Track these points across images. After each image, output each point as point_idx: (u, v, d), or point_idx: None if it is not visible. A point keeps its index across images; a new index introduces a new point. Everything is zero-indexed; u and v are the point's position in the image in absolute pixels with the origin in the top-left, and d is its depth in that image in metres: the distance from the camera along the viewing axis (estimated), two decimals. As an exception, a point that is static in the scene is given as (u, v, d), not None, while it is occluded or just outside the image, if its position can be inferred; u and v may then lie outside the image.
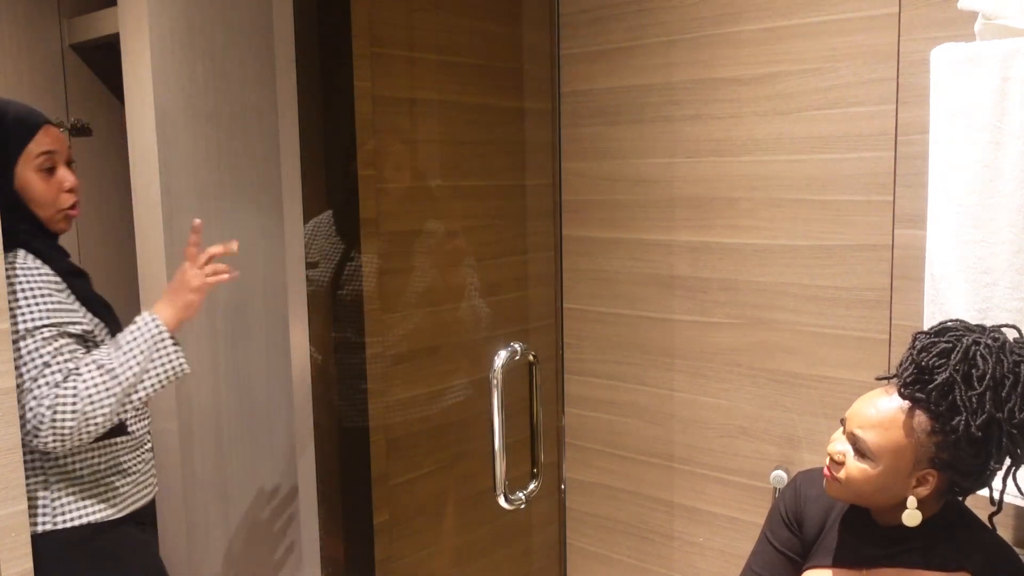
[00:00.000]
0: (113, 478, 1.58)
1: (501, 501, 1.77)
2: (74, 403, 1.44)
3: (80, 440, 1.46)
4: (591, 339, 2.24)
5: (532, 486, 1.87)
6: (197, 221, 1.64)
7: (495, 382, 1.72)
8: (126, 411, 1.51)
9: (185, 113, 1.79)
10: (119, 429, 1.59)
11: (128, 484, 1.62)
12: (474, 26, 2.10)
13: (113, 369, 1.48)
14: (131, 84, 1.81)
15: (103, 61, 2.41)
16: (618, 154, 2.13)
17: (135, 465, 1.64)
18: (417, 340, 2.06)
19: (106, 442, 1.58)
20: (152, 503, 1.72)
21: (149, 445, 1.74)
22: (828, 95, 1.78)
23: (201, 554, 1.89)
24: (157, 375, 1.53)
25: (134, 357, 1.50)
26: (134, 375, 1.49)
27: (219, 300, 1.85)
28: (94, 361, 1.47)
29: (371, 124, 1.90)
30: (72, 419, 1.43)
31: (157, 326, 1.54)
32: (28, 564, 1.24)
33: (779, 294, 1.89)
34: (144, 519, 1.68)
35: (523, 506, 1.83)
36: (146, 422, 1.70)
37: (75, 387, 1.44)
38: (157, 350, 1.53)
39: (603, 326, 2.21)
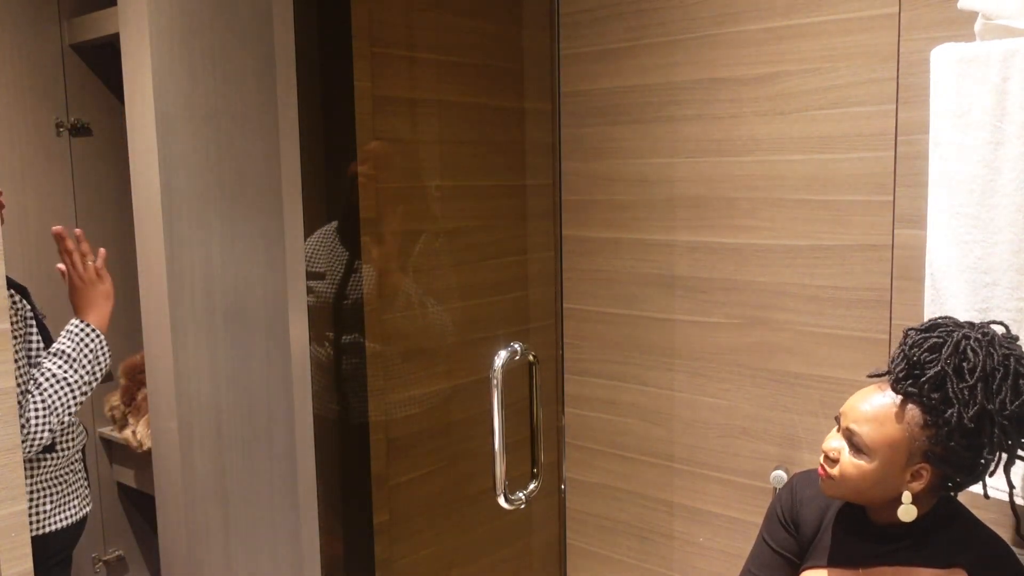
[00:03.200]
0: (36, 496, 1.67)
1: (501, 501, 1.77)
2: (43, 415, 1.57)
3: (32, 450, 1.58)
4: (591, 339, 2.24)
5: (532, 486, 1.87)
6: (75, 231, 1.80)
7: (495, 382, 1.72)
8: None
9: (185, 113, 1.79)
10: (48, 447, 1.68)
11: (52, 503, 1.69)
12: (474, 26, 2.10)
13: (69, 381, 1.64)
14: (131, 84, 1.81)
15: (103, 61, 2.41)
16: (618, 154, 2.13)
17: (59, 485, 1.72)
18: (417, 340, 2.05)
19: (36, 458, 1.67)
20: (77, 526, 1.78)
21: (80, 465, 1.79)
22: (828, 95, 1.78)
23: (201, 554, 1.89)
24: (97, 379, 1.72)
25: (86, 369, 1.68)
26: (85, 383, 1.67)
27: (219, 300, 1.85)
28: (53, 375, 1.62)
29: (371, 124, 1.90)
30: (38, 431, 1.56)
31: (100, 339, 1.73)
32: (28, 564, 1.24)
33: (779, 294, 1.89)
34: (62, 544, 1.73)
35: (523, 506, 1.83)
36: (77, 441, 1.74)
37: (42, 400, 1.58)
38: (99, 360, 1.72)
39: (603, 326, 2.21)
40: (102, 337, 1.74)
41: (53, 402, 1.59)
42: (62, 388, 1.62)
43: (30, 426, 1.55)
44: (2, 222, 1.68)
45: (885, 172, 1.72)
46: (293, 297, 1.94)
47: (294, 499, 1.99)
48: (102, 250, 1.81)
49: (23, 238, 2.30)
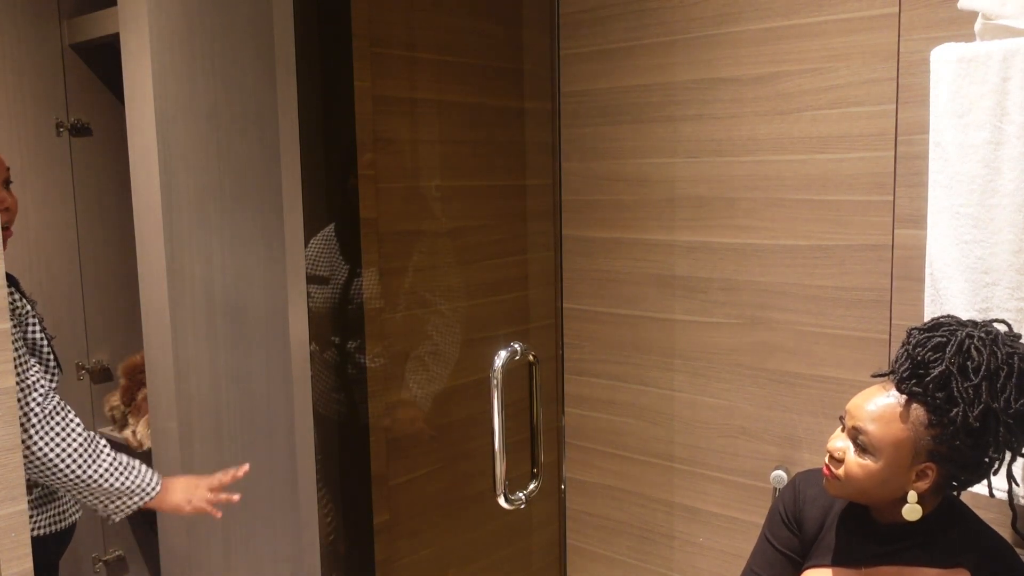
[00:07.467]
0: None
1: (501, 501, 1.77)
2: (43, 435, 1.49)
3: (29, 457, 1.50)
4: (591, 339, 2.24)
5: (532, 486, 1.87)
6: (245, 468, 1.69)
7: (495, 382, 1.71)
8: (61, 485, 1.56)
9: (185, 113, 1.79)
10: None
11: (40, 507, 1.65)
12: (474, 26, 2.10)
13: (84, 455, 1.53)
14: (131, 84, 1.81)
15: (103, 61, 2.41)
16: (618, 154, 2.13)
17: (46, 489, 1.68)
18: (417, 340, 2.05)
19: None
20: (65, 533, 1.73)
21: None
22: (828, 95, 1.78)
23: (201, 554, 1.89)
24: (98, 500, 1.58)
25: (117, 480, 1.56)
26: (97, 487, 1.55)
27: (219, 300, 1.85)
28: (88, 436, 1.54)
29: (371, 124, 1.90)
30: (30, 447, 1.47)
31: (153, 491, 1.61)
32: (28, 564, 1.24)
33: (779, 294, 1.89)
34: (47, 550, 1.68)
35: (523, 506, 1.83)
36: None
37: (55, 431, 1.50)
38: (128, 499, 1.59)
39: (603, 326, 2.21)
40: (145, 499, 1.61)
41: (62, 441, 1.51)
42: (75, 447, 1.52)
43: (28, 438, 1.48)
44: (10, 225, 1.68)
45: (885, 172, 1.72)
46: (293, 297, 1.94)
47: (294, 499, 1.99)
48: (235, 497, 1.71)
49: (23, 238, 2.30)
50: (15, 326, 1.56)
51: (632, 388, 2.17)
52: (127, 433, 2.42)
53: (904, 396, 1.23)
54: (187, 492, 1.64)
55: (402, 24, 1.95)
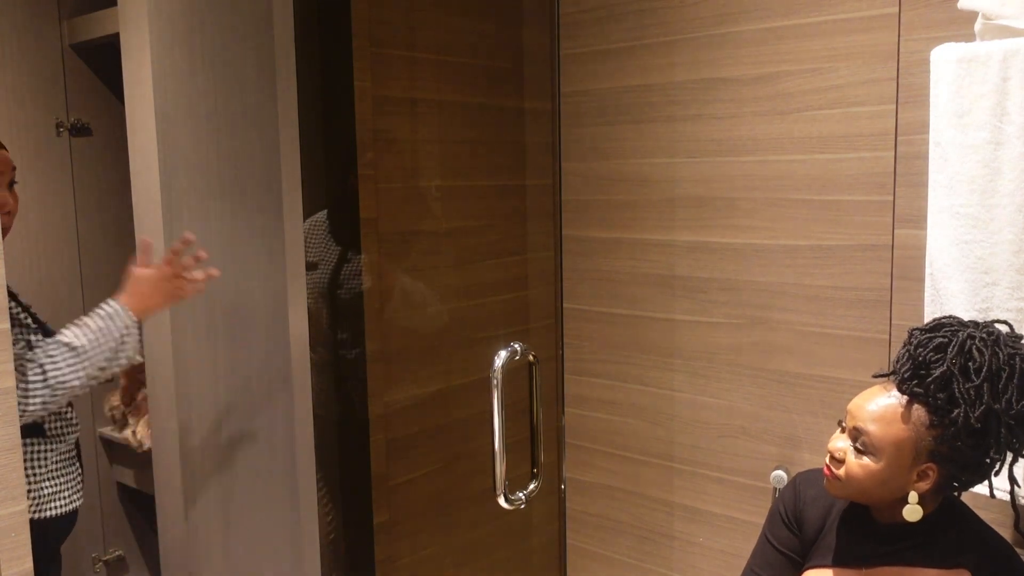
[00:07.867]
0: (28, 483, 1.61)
1: (501, 501, 1.77)
2: (44, 379, 1.50)
3: (44, 411, 1.52)
4: (591, 339, 2.24)
5: (532, 486, 1.87)
6: (190, 235, 1.70)
7: (495, 382, 1.71)
8: (88, 388, 1.59)
9: (185, 113, 1.79)
10: (35, 430, 1.62)
11: (40, 492, 1.64)
12: (474, 26, 2.10)
13: (83, 348, 1.56)
14: (131, 84, 1.81)
15: (103, 61, 2.41)
16: (618, 154, 2.13)
17: (48, 474, 1.67)
18: (417, 340, 2.05)
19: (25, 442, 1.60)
20: (66, 518, 1.73)
21: (74, 458, 1.76)
22: (828, 95, 1.78)
23: (201, 554, 1.89)
24: (113, 363, 1.61)
25: (105, 342, 1.59)
26: (95, 365, 1.58)
27: (219, 299, 1.85)
28: (64, 344, 1.55)
29: (371, 124, 1.90)
30: (30, 399, 1.49)
31: (133, 325, 1.63)
32: (28, 564, 1.24)
33: (779, 294, 1.89)
34: (46, 535, 1.68)
35: (523, 506, 1.83)
36: (70, 432, 1.72)
37: (42, 368, 1.51)
38: (123, 343, 1.61)
39: (603, 326, 2.21)
40: (132, 321, 1.62)
41: (54, 374, 1.52)
42: (67, 361, 1.54)
43: (27, 392, 1.47)
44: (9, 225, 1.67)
45: (885, 172, 1.72)
46: (293, 297, 1.94)
47: (294, 499, 1.98)
48: (214, 271, 1.71)
49: (23, 238, 2.30)
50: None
51: (632, 388, 2.17)
52: (127, 433, 2.42)
53: (905, 396, 1.24)
54: (160, 293, 1.65)
55: (402, 24, 1.95)
